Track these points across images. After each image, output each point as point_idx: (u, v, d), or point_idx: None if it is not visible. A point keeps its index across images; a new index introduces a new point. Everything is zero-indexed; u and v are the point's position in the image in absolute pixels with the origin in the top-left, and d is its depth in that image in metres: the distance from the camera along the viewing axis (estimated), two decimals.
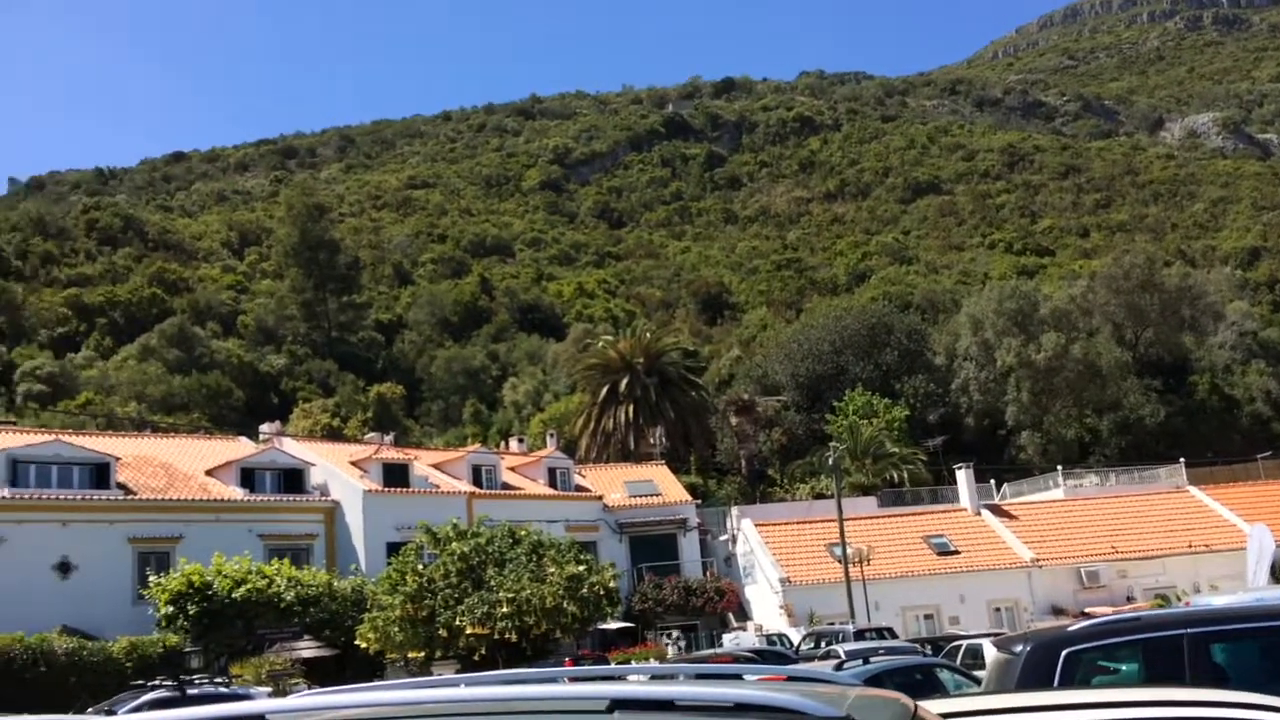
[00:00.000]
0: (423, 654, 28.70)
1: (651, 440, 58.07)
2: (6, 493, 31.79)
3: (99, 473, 34.19)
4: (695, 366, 71.42)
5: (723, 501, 53.35)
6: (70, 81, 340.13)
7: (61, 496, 32.82)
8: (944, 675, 16.18)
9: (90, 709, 21.92)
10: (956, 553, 43.45)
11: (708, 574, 45.36)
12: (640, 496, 47.50)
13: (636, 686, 2.56)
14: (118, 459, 35.16)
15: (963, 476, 47.80)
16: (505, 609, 27.92)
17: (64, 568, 31.75)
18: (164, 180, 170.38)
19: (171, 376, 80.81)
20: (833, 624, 35.20)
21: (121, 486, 34.56)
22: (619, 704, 2.48)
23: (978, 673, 16.33)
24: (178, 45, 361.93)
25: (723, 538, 47.85)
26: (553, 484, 46.50)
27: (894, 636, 31.48)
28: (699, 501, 49.35)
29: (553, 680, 3.40)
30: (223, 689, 19.90)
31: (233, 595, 29.90)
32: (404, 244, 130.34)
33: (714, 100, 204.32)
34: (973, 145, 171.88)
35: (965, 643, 24.26)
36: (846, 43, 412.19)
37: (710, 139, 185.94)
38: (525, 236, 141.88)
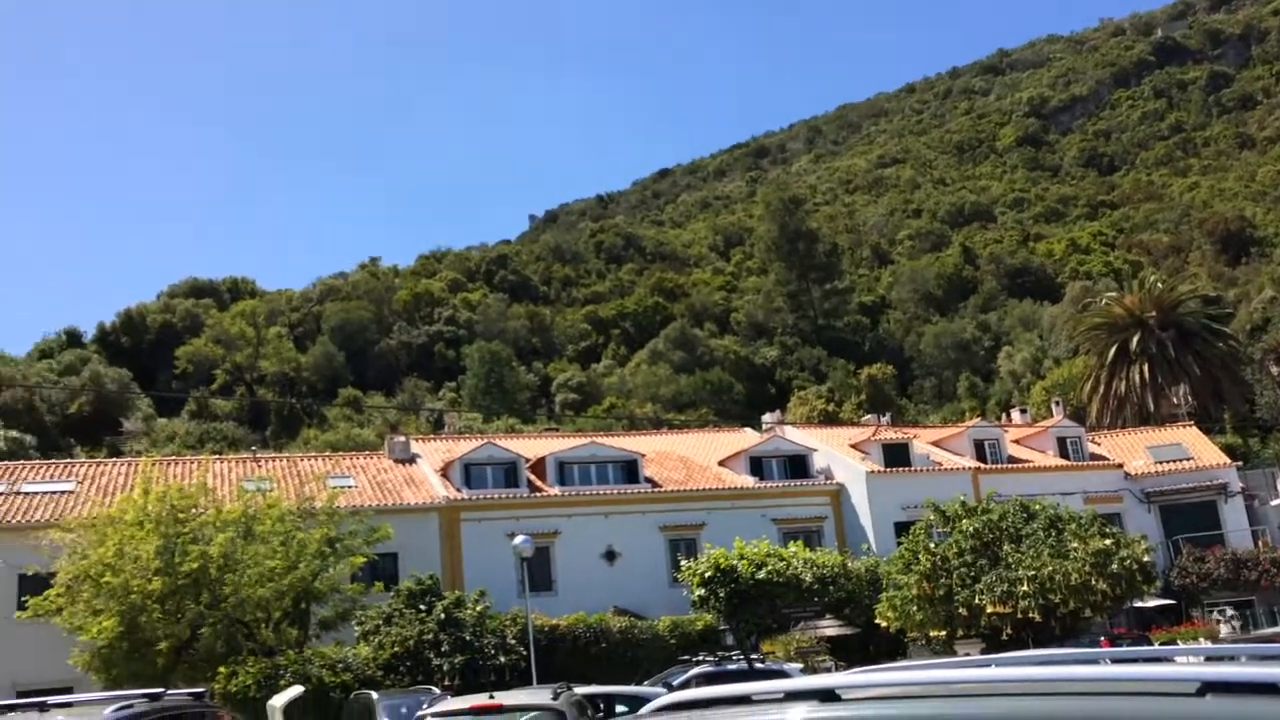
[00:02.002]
0: (944, 633, 28.40)
1: (1174, 400, 52.74)
2: (558, 490, 36.33)
3: (629, 469, 37.95)
4: (1219, 314, 63.68)
5: (1270, 462, 47.19)
6: (567, 122, 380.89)
7: (600, 492, 36.87)
8: None
9: (646, 681, 24.31)
10: None
11: (1260, 544, 40.40)
12: (1168, 462, 43.38)
13: (1232, 668, 2.32)
14: (643, 455, 38.85)
15: None
16: (1027, 587, 26.79)
17: (610, 555, 35.55)
18: (654, 197, 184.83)
19: (678, 377, 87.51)
20: None
21: (649, 480, 38.06)
22: (1211, 686, 2.27)
23: None
24: (650, 72, 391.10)
25: (1274, 503, 42.32)
26: (1063, 454, 43.88)
27: None
28: (1239, 464, 44.11)
29: (1094, 661, 3.21)
30: (757, 665, 21.16)
31: (755, 577, 31.58)
32: (879, 224, 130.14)
33: (1212, 15, 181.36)
34: None
35: None
36: None
37: (1211, 59, 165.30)
38: (1006, 198, 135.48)
